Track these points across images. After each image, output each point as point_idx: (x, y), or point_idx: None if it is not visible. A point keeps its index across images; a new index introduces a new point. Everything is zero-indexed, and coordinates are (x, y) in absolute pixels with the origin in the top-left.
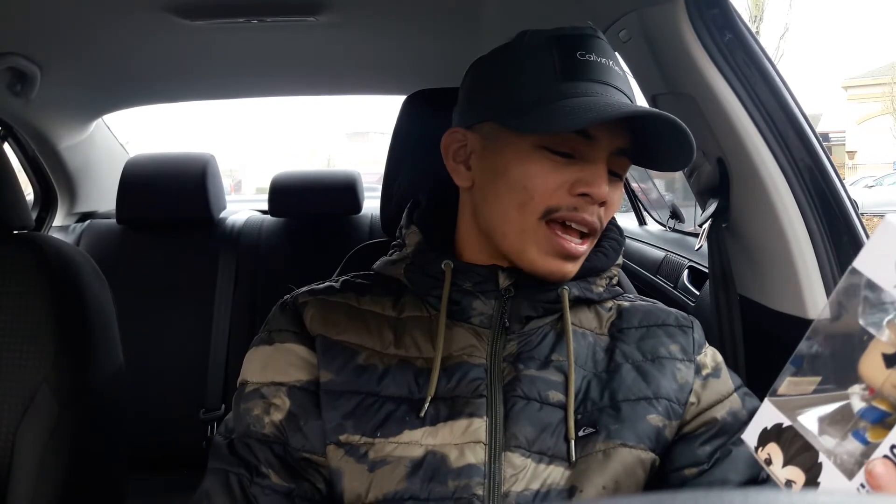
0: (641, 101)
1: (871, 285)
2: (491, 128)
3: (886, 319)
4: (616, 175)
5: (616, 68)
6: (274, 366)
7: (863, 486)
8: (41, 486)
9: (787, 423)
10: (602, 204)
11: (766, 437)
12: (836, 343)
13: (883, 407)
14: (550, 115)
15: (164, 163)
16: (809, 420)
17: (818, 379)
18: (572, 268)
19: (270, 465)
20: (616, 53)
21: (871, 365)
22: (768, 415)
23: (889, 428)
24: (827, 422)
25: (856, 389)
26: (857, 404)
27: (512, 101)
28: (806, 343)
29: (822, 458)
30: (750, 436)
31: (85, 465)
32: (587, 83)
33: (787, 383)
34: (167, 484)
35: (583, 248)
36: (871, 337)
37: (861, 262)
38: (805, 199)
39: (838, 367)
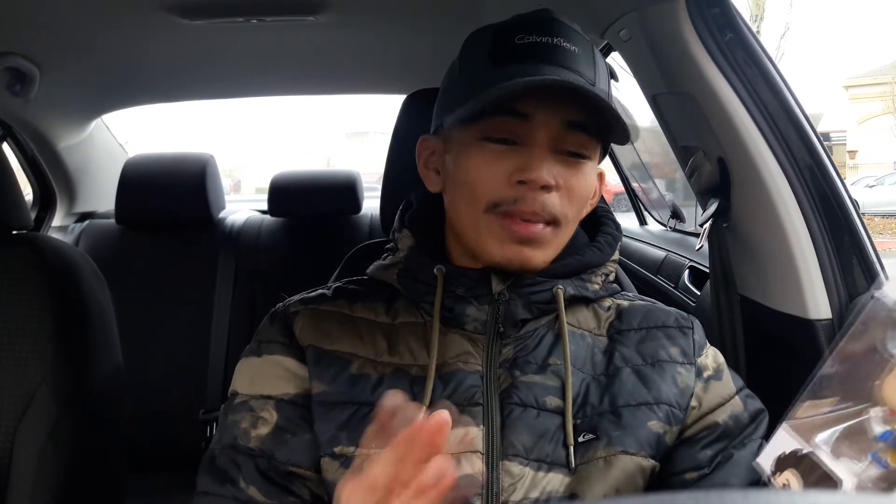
0: (639, 98)
1: (893, 312)
2: (447, 129)
3: None
4: (575, 155)
5: (565, 45)
6: (262, 379)
7: None
8: (40, 487)
9: (805, 449)
10: (547, 188)
11: (782, 463)
12: (856, 364)
13: None
14: (472, 102)
15: (164, 163)
16: (826, 441)
17: (835, 399)
18: (533, 253)
19: (252, 481)
20: (573, 30)
21: (893, 389)
22: (785, 441)
23: None
24: (845, 443)
25: (876, 412)
26: (877, 427)
27: (451, 98)
28: (827, 363)
29: (842, 485)
30: (765, 461)
31: (84, 465)
32: (520, 65)
33: (804, 407)
34: (166, 484)
35: (536, 229)
36: (893, 361)
37: (884, 293)
38: (806, 198)
39: (857, 386)
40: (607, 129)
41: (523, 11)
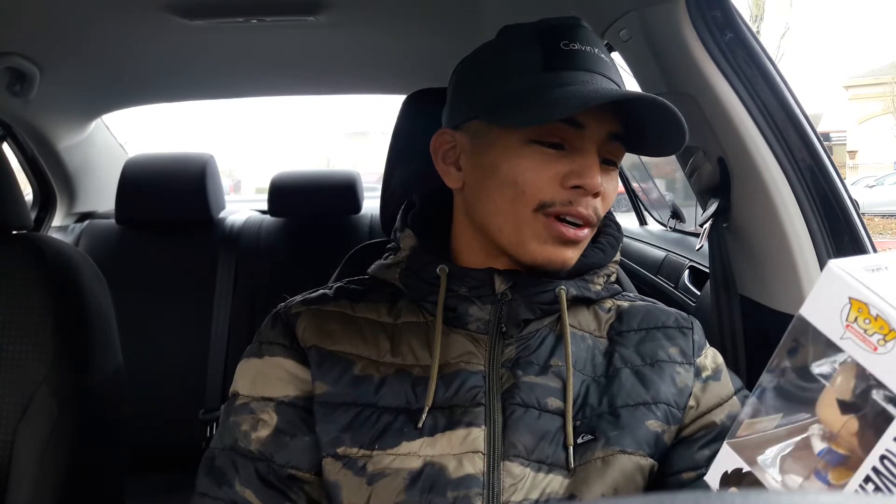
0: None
1: (818, 334)
2: (479, 126)
3: (835, 367)
4: (610, 163)
5: (602, 56)
6: (263, 380)
7: None
8: (40, 487)
9: (746, 468)
10: (596, 195)
11: (727, 481)
12: (795, 380)
13: (842, 451)
14: (537, 107)
15: (164, 163)
16: (770, 459)
17: (779, 416)
18: (572, 254)
19: (248, 484)
20: (601, 41)
21: (827, 409)
22: (728, 459)
23: (852, 469)
24: (790, 459)
25: (815, 430)
26: (818, 444)
27: (498, 96)
28: (766, 378)
29: None
30: (712, 479)
31: (84, 465)
32: (572, 72)
33: (745, 425)
34: (166, 484)
35: (582, 233)
36: (821, 383)
37: (807, 311)
38: (806, 198)
39: (798, 402)
40: (637, 140)
41: (523, 12)
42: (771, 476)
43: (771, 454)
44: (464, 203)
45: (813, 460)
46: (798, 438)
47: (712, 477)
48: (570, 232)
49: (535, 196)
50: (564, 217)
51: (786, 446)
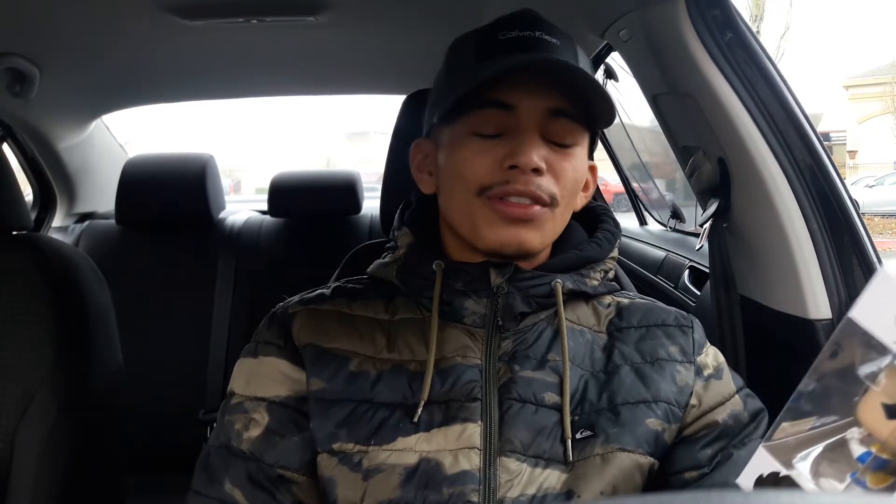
0: (639, 98)
1: (868, 336)
2: (437, 130)
3: (882, 370)
4: (560, 145)
5: (547, 38)
6: (256, 380)
7: None
8: (41, 486)
9: (783, 472)
10: (537, 171)
11: (762, 483)
12: (834, 382)
13: (885, 455)
14: (450, 91)
15: (164, 163)
16: (806, 464)
17: (813, 419)
18: (528, 234)
19: (237, 484)
20: (555, 27)
21: (870, 413)
22: (763, 462)
23: (892, 475)
24: (825, 463)
25: (854, 433)
26: (857, 448)
27: (439, 97)
28: (804, 382)
29: None
30: (745, 481)
31: (84, 465)
32: (503, 57)
33: (782, 428)
34: (166, 484)
35: (532, 210)
36: (867, 385)
37: (858, 313)
38: (806, 198)
39: (836, 405)
40: (592, 115)
41: None
42: (806, 479)
43: (806, 456)
44: (440, 206)
45: (849, 464)
46: (833, 440)
47: (746, 479)
48: (517, 210)
49: (474, 182)
50: (506, 197)
51: (822, 448)
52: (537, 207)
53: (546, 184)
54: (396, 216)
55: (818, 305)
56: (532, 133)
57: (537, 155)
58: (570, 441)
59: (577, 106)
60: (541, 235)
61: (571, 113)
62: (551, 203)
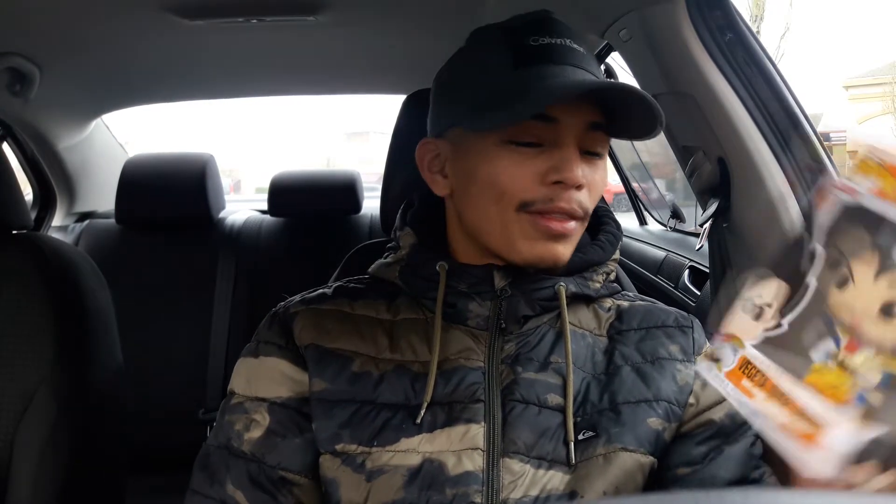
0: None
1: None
2: (457, 132)
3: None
4: (594, 154)
5: (575, 46)
6: (257, 381)
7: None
8: (40, 487)
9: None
10: (579, 188)
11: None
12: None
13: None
14: (504, 109)
15: (164, 163)
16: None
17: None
18: (563, 249)
19: (239, 485)
20: (573, 31)
21: (866, 317)
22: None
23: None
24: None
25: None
26: (874, 376)
27: (469, 101)
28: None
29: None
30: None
31: (84, 465)
32: (542, 66)
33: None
34: (167, 484)
35: (570, 226)
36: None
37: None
38: (806, 199)
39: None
40: (619, 127)
41: (524, 11)
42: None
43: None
44: (454, 209)
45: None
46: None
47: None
48: (558, 226)
49: (515, 196)
50: (551, 214)
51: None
52: (573, 223)
53: (584, 199)
54: (398, 216)
55: None
56: (574, 147)
57: (581, 172)
58: (573, 443)
59: (609, 117)
60: (572, 248)
61: (605, 126)
62: (584, 217)
